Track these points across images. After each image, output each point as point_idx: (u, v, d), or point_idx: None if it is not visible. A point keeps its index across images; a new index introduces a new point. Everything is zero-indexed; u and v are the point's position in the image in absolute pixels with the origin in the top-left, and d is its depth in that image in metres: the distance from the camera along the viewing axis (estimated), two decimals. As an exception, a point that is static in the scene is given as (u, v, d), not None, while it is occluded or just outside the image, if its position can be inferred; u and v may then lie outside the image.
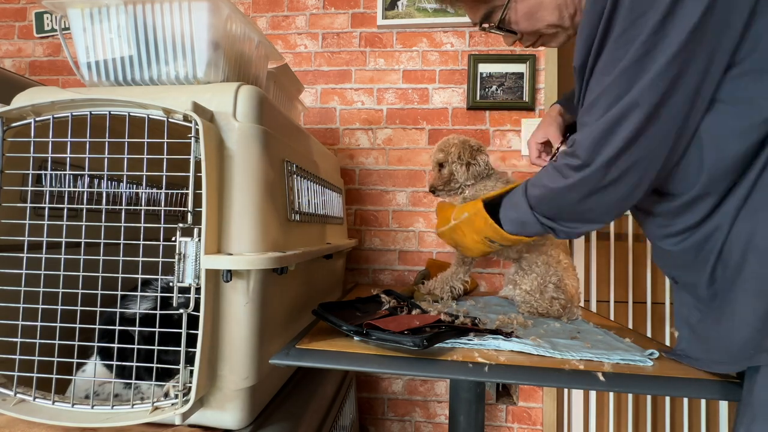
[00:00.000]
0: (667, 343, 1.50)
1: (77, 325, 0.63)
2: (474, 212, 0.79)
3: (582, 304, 0.97)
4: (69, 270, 0.62)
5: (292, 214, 0.82)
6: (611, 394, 1.51)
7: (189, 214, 0.60)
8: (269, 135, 0.72)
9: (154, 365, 0.61)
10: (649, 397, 1.52)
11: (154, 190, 0.94)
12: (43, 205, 0.65)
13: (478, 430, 0.82)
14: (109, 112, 0.62)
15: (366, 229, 1.61)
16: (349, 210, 1.61)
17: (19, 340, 0.63)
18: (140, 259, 0.61)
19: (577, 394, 1.50)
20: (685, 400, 1.49)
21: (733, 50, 0.49)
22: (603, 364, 0.60)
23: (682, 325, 0.69)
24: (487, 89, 1.54)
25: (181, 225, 0.60)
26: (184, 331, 0.60)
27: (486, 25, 0.71)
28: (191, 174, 0.60)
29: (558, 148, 0.84)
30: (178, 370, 0.60)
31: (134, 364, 0.62)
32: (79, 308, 0.62)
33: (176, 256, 0.60)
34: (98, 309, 0.63)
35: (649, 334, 1.52)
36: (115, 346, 0.62)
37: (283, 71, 1.12)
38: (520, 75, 1.53)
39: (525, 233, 0.74)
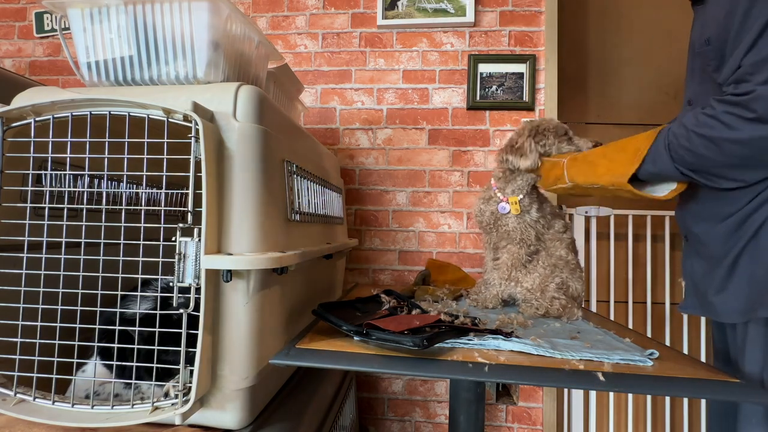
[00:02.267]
0: (667, 342, 1.50)
1: (77, 325, 0.63)
2: (610, 183, 0.76)
3: (582, 305, 0.96)
4: (69, 270, 0.62)
5: (292, 214, 0.82)
6: (611, 394, 1.51)
7: (189, 214, 0.60)
8: (269, 135, 0.72)
9: (154, 365, 0.61)
10: (649, 397, 1.52)
11: (154, 190, 0.94)
12: (43, 205, 0.65)
13: (478, 430, 0.82)
14: (109, 112, 0.62)
15: (366, 229, 1.61)
16: (349, 210, 1.61)
17: (19, 340, 0.63)
18: (140, 259, 0.61)
19: (577, 394, 1.50)
20: (685, 400, 1.49)
21: None
22: (603, 364, 0.60)
23: (687, 278, 0.82)
24: (487, 89, 1.54)
25: (181, 225, 0.60)
26: (184, 331, 0.60)
27: None
28: (191, 174, 0.60)
29: None
30: (178, 370, 0.60)
31: (134, 364, 0.62)
32: (79, 308, 0.62)
33: (176, 256, 0.60)
34: (98, 309, 0.63)
35: (649, 334, 1.52)
36: (115, 346, 0.62)
37: (283, 71, 1.12)
38: (520, 75, 1.53)
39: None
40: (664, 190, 0.75)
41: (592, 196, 0.86)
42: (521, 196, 0.93)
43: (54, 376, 0.62)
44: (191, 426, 0.67)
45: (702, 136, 0.64)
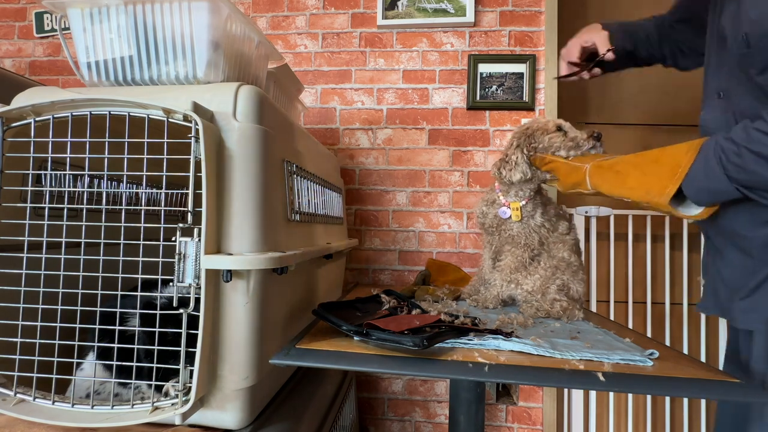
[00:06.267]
0: (667, 342, 1.50)
1: (77, 325, 0.63)
2: (645, 201, 0.70)
3: (583, 306, 0.96)
4: (69, 270, 0.62)
5: (292, 214, 0.82)
6: (611, 394, 1.52)
7: (189, 214, 0.60)
8: (269, 135, 0.72)
9: (154, 365, 0.61)
10: (649, 397, 1.52)
11: (154, 190, 0.94)
12: (43, 205, 0.65)
13: (478, 430, 0.82)
14: (109, 112, 0.62)
15: (366, 229, 1.61)
16: (349, 210, 1.61)
17: (19, 340, 0.63)
18: (140, 259, 0.61)
19: (577, 394, 1.50)
20: (685, 400, 1.49)
21: None
22: (603, 364, 0.60)
23: (709, 278, 0.79)
24: (487, 89, 1.54)
25: (181, 225, 0.60)
26: (184, 331, 0.60)
27: None
28: (191, 174, 0.60)
29: (606, 53, 0.87)
30: (178, 370, 0.60)
31: (134, 364, 0.62)
32: (79, 308, 0.62)
33: (176, 256, 0.60)
34: (98, 309, 0.63)
35: (649, 334, 1.52)
36: (115, 346, 0.62)
37: (283, 71, 1.12)
38: (520, 75, 1.53)
39: (714, 201, 0.68)
40: (697, 209, 0.70)
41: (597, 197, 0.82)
42: (524, 202, 0.92)
43: (54, 376, 0.62)
44: (191, 426, 0.67)
45: (753, 152, 0.61)
